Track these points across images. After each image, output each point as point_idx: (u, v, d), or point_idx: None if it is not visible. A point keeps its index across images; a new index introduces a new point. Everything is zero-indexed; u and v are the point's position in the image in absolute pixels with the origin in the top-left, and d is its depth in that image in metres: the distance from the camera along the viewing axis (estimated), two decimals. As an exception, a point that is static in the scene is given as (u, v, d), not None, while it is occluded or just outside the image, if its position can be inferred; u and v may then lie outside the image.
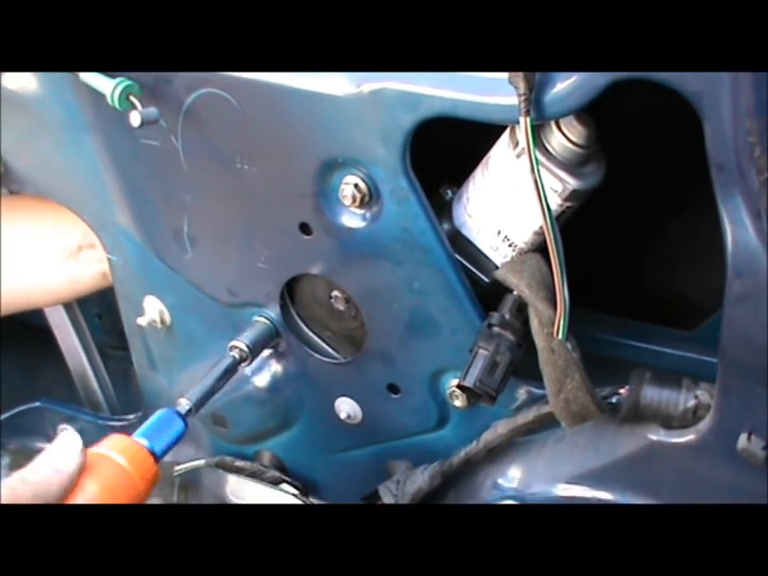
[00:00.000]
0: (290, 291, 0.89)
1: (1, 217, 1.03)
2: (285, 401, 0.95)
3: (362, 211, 0.77)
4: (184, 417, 0.79)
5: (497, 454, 0.85)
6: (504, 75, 0.65)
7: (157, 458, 0.73)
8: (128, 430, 1.05)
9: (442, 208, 0.81)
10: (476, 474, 0.87)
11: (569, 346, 0.72)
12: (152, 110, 0.78)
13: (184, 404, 0.82)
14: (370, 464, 0.95)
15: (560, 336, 0.72)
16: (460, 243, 0.79)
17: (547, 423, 0.79)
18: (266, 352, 0.93)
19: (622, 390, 0.75)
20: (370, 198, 0.76)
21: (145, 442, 0.73)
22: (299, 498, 0.98)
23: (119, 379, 1.20)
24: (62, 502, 0.65)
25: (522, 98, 0.64)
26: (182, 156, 0.83)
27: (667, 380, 0.74)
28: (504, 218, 0.76)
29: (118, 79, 0.77)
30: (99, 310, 1.23)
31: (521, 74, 0.64)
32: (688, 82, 0.60)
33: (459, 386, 0.80)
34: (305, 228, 0.81)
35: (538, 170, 0.67)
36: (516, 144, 0.72)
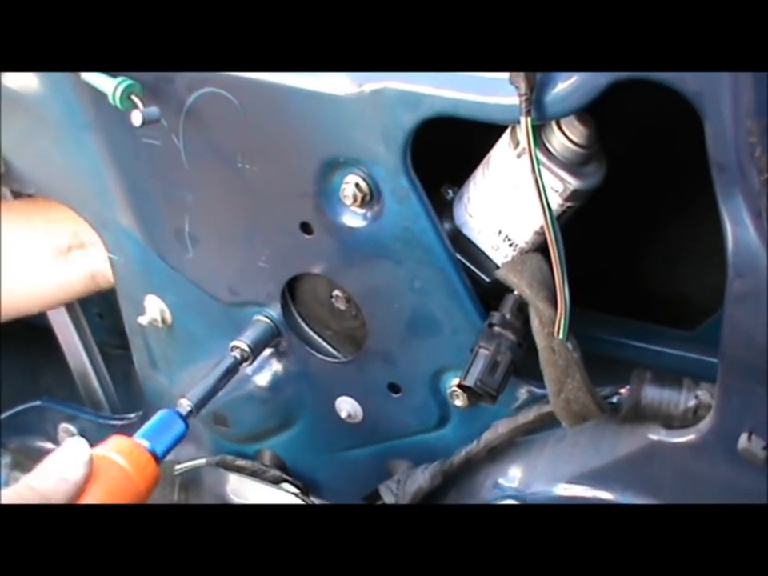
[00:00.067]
0: (291, 290, 0.89)
1: None
2: (286, 400, 0.95)
3: (362, 211, 0.77)
4: (185, 418, 0.79)
5: (497, 453, 0.85)
6: (505, 75, 0.65)
7: (158, 459, 0.73)
8: (129, 429, 1.05)
9: (442, 208, 0.81)
10: (477, 474, 0.87)
11: (569, 345, 0.72)
12: (153, 110, 0.78)
13: (185, 404, 0.82)
14: (370, 463, 0.95)
15: (561, 336, 0.72)
16: (461, 243, 0.79)
17: (548, 423, 0.79)
18: (267, 351, 0.93)
19: (622, 390, 0.75)
20: (370, 198, 0.76)
21: (146, 443, 0.73)
22: (300, 498, 0.98)
23: (120, 378, 1.20)
24: None
25: (523, 97, 0.64)
26: (184, 155, 0.83)
27: (668, 380, 0.74)
28: (505, 217, 0.76)
29: (120, 78, 0.78)
30: (100, 309, 1.23)
31: (522, 73, 0.64)
32: (688, 81, 0.60)
33: (460, 386, 0.80)
34: (306, 227, 0.81)
35: (539, 170, 0.67)
36: (517, 144, 0.72)
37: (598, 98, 0.64)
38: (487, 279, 0.79)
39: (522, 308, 0.76)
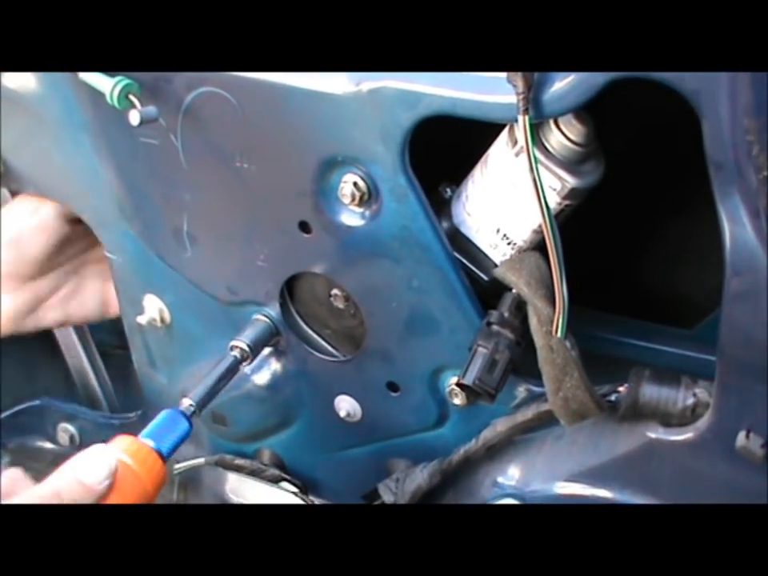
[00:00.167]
0: (290, 289, 0.89)
1: None
2: (284, 399, 0.95)
3: (361, 209, 0.77)
4: (188, 417, 0.79)
5: (496, 452, 0.85)
6: (503, 74, 0.65)
7: (163, 458, 0.73)
8: (128, 428, 1.05)
9: (441, 206, 0.81)
10: (475, 472, 0.88)
11: (568, 344, 0.72)
12: (151, 109, 0.78)
13: (187, 404, 0.82)
14: (369, 462, 0.95)
15: (559, 334, 0.72)
16: (459, 241, 0.79)
17: (546, 421, 0.79)
18: (266, 350, 0.93)
19: (620, 388, 0.75)
20: (369, 197, 0.76)
21: (151, 443, 0.73)
22: (299, 497, 0.98)
23: (119, 378, 1.20)
24: None
25: (521, 96, 0.64)
26: (182, 154, 0.83)
27: (666, 378, 0.74)
28: (503, 216, 0.76)
29: (117, 78, 0.77)
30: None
31: (519, 72, 0.64)
32: (686, 80, 0.60)
33: (458, 384, 0.81)
34: (304, 226, 0.81)
35: (537, 169, 0.67)
36: (515, 142, 0.72)
37: (596, 96, 0.64)
38: (485, 278, 0.79)
39: (520, 306, 0.76)
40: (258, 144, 0.79)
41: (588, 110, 0.70)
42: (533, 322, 0.73)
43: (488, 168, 0.76)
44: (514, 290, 0.76)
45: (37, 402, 1.20)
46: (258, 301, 0.90)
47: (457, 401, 0.83)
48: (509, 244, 0.78)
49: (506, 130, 0.74)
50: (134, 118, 0.76)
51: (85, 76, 0.79)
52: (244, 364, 0.89)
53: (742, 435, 0.69)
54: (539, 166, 0.68)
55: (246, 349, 0.88)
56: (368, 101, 0.71)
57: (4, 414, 1.21)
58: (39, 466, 1.11)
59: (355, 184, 0.75)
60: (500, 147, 0.75)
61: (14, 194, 1.05)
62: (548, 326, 0.72)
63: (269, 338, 0.91)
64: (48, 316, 1.02)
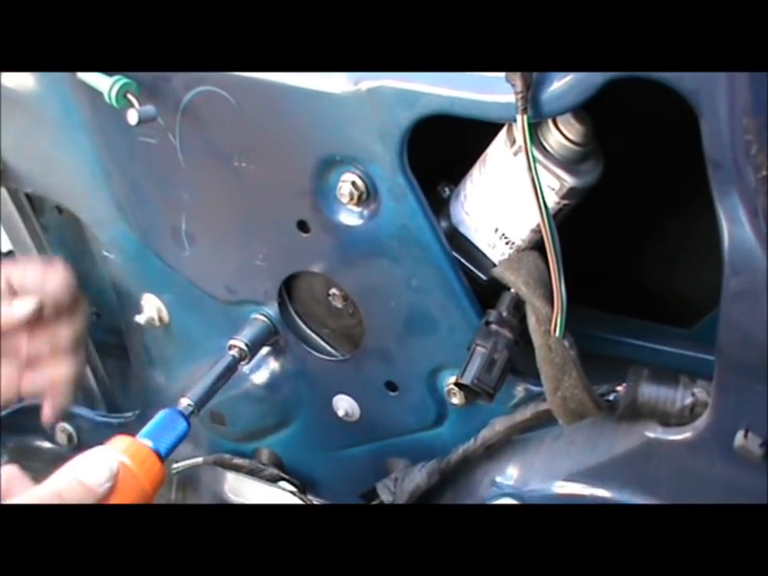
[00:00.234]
0: (288, 289, 0.89)
1: None
2: (283, 398, 0.95)
3: (359, 209, 0.77)
4: (187, 417, 0.79)
5: (495, 451, 0.85)
6: (501, 73, 0.65)
7: (161, 458, 0.73)
8: (126, 427, 1.05)
9: (439, 206, 0.81)
10: (474, 472, 0.88)
11: (566, 343, 0.72)
12: (149, 108, 0.78)
13: (186, 404, 0.82)
14: (368, 461, 0.95)
15: (557, 333, 0.72)
16: (457, 241, 0.79)
17: (545, 421, 0.79)
18: (264, 350, 0.93)
19: (619, 388, 0.75)
20: (367, 196, 0.76)
21: (149, 443, 0.73)
22: (297, 496, 0.98)
23: (117, 377, 1.20)
24: None
25: (519, 95, 0.64)
26: (180, 154, 0.83)
27: (665, 377, 0.74)
28: (501, 215, 0.76)
29: (116, 77, 0.77)
30: (97, 308, 1.23)
31: (518, 72, 0.64)
32: (685, 80, 0.60)
33: (457, 384, 0.81)
34: (303, 226, 0.81)
35: (536, 168, 0.67)
36: (513, 142, 0.72)
37: (595, 95, 0.64)
38: (484, 277, 0.79)
39: (518, 306, 0.76)
40: (257, 143, 0.79)
41: (587, 110, 0.70)
42: (531, 321, 0.73)
43: (486, 167, 0.76)
44: (512, 290, 0.76)
45: (35, 402, 1.19)
46: (256, 300, 0.90)
47: (455, 400, 0.83)
48: (507, 243, 0.78)
49: (504, 130, 0.74)
50: (133, 117, 0.76)
51: (83, 75, 0.79)
52: (242, 363, 0.89)
53: (740, 435, 0.69)
54: (538, 165, 0.68)
55: (245, 348, 0.88)
56: (367, 100, 0.71)
57: (2, 413, 1.21)
58: (38, 466, 1.11)
59: (354, 183, 0.75)
60: (498, 147, 0.75)
61: (11, 192, 1.05)
62: (546, 325, 0.72)
63: (267, 337, 0.91)
64: None
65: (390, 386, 0.87)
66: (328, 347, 0.91)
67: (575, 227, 0.74)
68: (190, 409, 0.81)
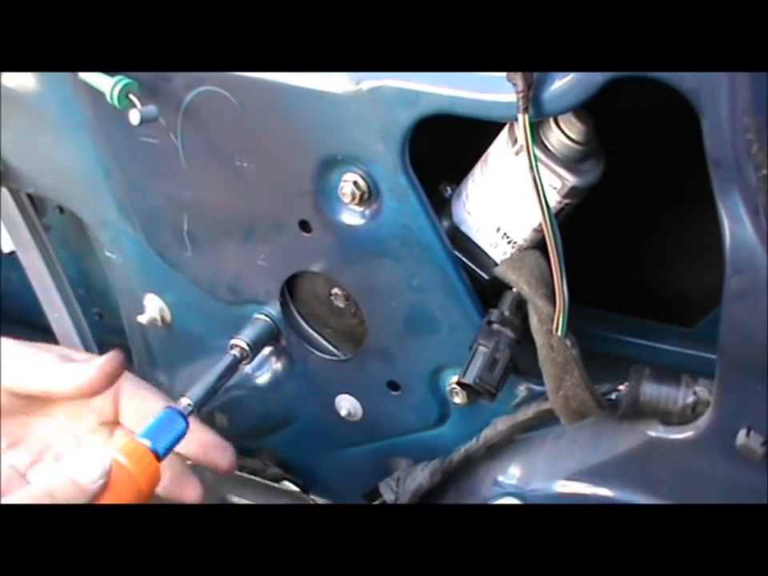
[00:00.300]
0: (290, 288, 0.90)
1: None
2: (285, 398, 0.96)
3: (361, 209, 0.77)
4: (186, 416, 0.79)
5: (497, 450, 0.85)
6: (502, 73, 0.65)
7: (159, 458, 0.73)
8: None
9: (441, 205, 0.81)
10: (476, 471, 0.88)
11: (568, 342, 0.72)
12: (151, 108, 0.78)
13: (185, 403, 0.82)
14: (370, 461, 0.95)
15: (559, 333, 0.72)
16: (459, 240, 0.79)
17: (547, 420, 0.79)
18: (267, 349, 0.93)
19: (621, 387, 0.75)
20: (369, 196, 0.76)
21: (147, 443, 0.73)
22: (300, 496, 0.98)
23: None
24: None
25: (521, 95, 0.64)
26: (182, 154, 0.83)
27: (666, 376, 0.74)
28: (503, 215, 0.76)
29: (117, 77, 0.77)
30: (100, 308, 1.23)
31: (519, 72, 0.64)
32: (686, 79, 0.60)
33: (459, 383, 0.81)
34: (304, 225, 0.81)
35: (537, 167, 0.67)
36: (515, 141, 0.72)
37: (596, 95, 0.64)
38: (486, 276, 0.79)
39: (520, 305, 0.76)
40: (258, 143, 0.79)
41: (588, 109, 0.70)
42: (533, 320, 0.73)
43: (488, 167, 0.76)
44: (514, 289, 0.76)
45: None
46: (258, 300, 0.90)
47: (457, 399, 0.83)
48: (509, 243, 0.78)
49: (505, 129, 0.74)
50: (134, 117, 0.76)
51: (85, 76, 0.79)
52: (244, 363, 0.89)
53: (742, 433, 0.69)
54: (539, 164, 0.68)
55: (246, 348, 0.88)
56: (368, 100, 0.71)
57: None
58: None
59: (355, 183, 0.75)
60: (500, 146, 0.75)
61: (13, 193, 1.05)
62: (548, 324, 0.72)
63: (269, 337, 0.91)
64: None
65: (392, 385, 0.87)
66: (330, 347, 0.91)
67: (577, 226, 0.74)
68: (190, 408, 0.81)
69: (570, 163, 0.72)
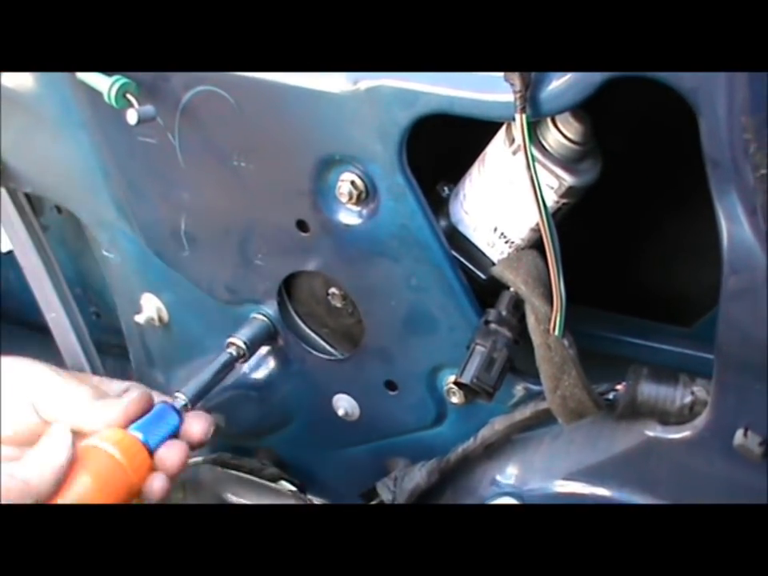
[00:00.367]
0: (288, 288, 0.90)
1: None
2: (282, 398, 0.96)
3: (358, 208, 0.77)
4: (179, 411, 0.79)
5: (494, 450, 0.85)
6: (500, 72, 0.65)
7: (151, 451, 0.73)
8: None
9: (438, 205, 0.81)
10: (473, 471, 0.88)
11: (565, 342, 0.72)
12: (149, 108, 0.78)
13: (180, 398, 0.82)
14: (367, 461, 0.95)
15: (556, 332, 0.72)
16: (457, 240, 0.79)
17: (544, 420, 0.79)
18: (264, 349, 0.93)
19: (618, 387, 0.75)
20: (366, 195, 0.76)
21: (139, 435, 0.73)
22: (297, 495, 0.98)
23: (117, 376, 1.19)
24: (54, 494, 0.65)
25: (518, 95, 0.64)
26: (179, 153, 0.83)
27: (664, 376, 0.74)
28: (500, 214, 0.76)
29: (115, 77, 0.77)
30: (97, 308, 1.23)
31: (516, 71, 0.64)
32: (684, 78, 0.60)
33: (456, 383, 0.81)
34: (302, 225, 0.81)
35: (534, 167, 0.67)
36: (512, 141, 0.72)
37: (593, 94, 0.64)
38: (483, 276, 0.79)
39: (518, 305, 0.76)
40: (256, 143, 0.79)
41: (585, 109, 0.70)
42: (530, 320, 0.73)
43: (485, 167, 0.76)
44: (511, 289, 0.76)
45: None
46: (256, 299, 0.90)
47: (455, 399, 0.83)
48: (506, 242, 0.78)
49: (503, 129, 0.74)
50: (132, 117, 0.76)
51: (83, 75, 0.79)
52: (240, 361, 0.89)
53: (739, 433, 0.69)
54: (536, 164, 0.68)
55: (242, 346, 0.88)
56: (365, 99, 0.71)
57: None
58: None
59: (353, 183, 0.75)
60: (497, 146, 0.75)
61: (11, 193, 1.05)
62: (546, 324, 0.72)
63: (266, 336, 0.91)
64: None
65: (390, 385, 0.87)
66: (327, 346, 0.91)
67: (574, 226, 0.74)
68: (183, 403, 0.81)
69: (568, 163, 0.72)
